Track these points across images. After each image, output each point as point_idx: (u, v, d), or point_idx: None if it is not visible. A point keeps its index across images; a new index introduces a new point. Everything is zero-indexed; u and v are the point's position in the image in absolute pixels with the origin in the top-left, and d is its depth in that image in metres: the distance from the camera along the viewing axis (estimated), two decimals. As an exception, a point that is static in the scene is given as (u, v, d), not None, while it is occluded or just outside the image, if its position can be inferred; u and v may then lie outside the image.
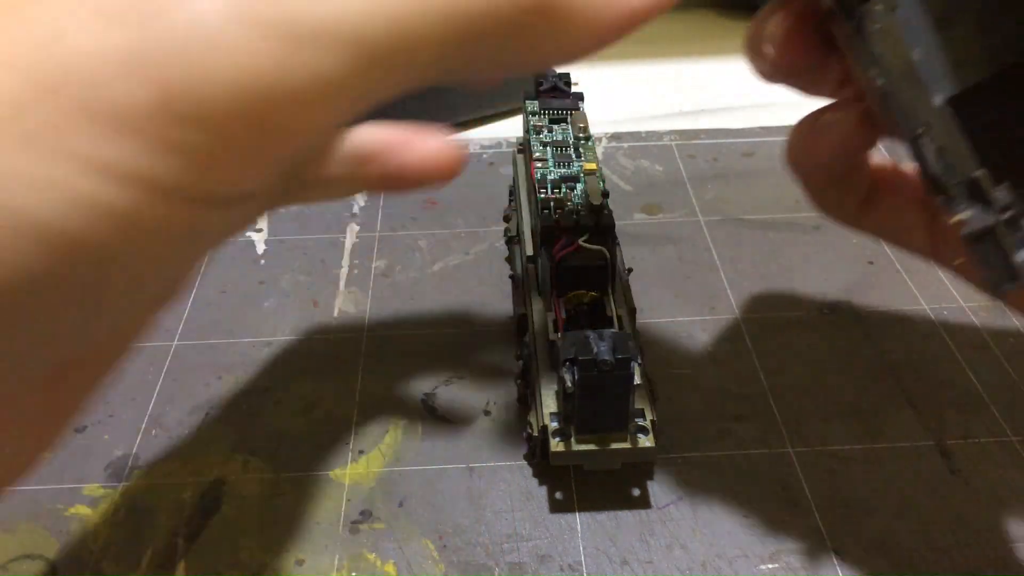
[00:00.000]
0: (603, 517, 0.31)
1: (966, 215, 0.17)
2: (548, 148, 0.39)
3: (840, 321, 0.39)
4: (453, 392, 0.36)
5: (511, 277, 0.41)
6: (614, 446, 0.31)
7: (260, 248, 0.44)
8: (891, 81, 0.17)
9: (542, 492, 0.32)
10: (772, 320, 0.39)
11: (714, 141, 0.52)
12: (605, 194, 0.36)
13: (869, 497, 0.31)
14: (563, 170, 0.38)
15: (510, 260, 0.43)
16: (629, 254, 0.43)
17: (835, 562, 0.29)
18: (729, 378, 0.36)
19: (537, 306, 0.36)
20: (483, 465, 0.33)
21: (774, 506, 0.31)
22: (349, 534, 0.30)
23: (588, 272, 0.34)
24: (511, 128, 0.54)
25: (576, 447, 0.31)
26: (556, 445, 0.31)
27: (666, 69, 0.62)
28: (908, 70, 0.16)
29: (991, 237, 0.17)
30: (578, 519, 0.31)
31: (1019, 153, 0.17)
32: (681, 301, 0.40)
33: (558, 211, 0.36)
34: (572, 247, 0.34)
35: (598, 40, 0.17)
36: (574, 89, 0.42)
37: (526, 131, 0.41)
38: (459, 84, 0.18)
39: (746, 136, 0.52)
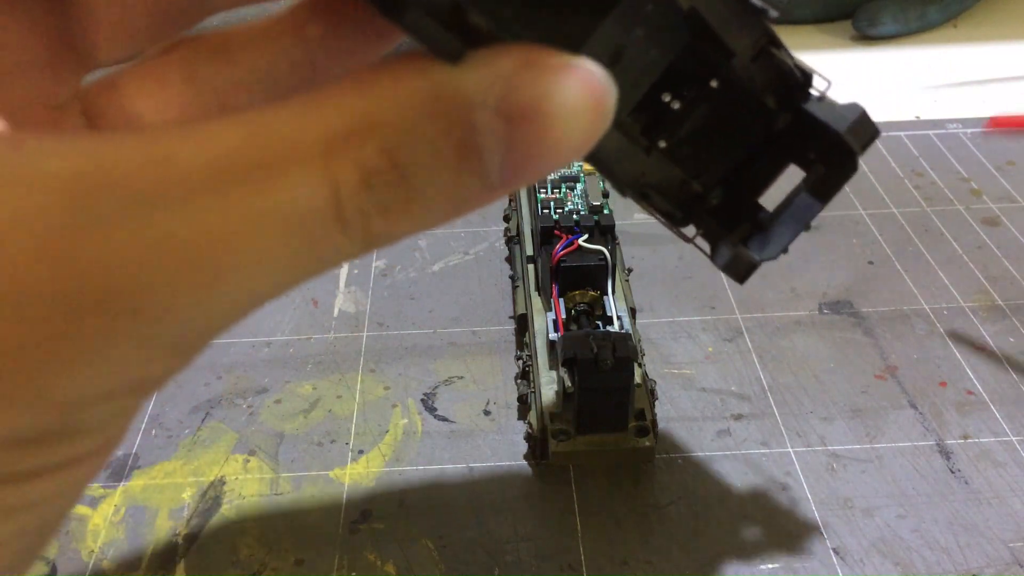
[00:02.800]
0: (603, 517, 0.31)
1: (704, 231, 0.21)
2: (548, 148, 0.39)
3: (840, 321, 0.39)
4: (453, 392, 0.36)
5: (511, 277, 0.41)
6: (614, 446, 0.31)
7: (260, 248, 0.44)
8: (608, 156, 0.19)
9: (542, 492, 0.32)
10: (772, 320, 0.39)
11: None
12: (605, 194, 0.36)
13: (869, 497, 0.31)
14: (563, 170, 0.38)
15: (510, 260, 0.43)
16: (629, 254, 0.43)
17: (835, 562, 0.29)
18: (729, 378, 0.36)
19: (537, 306, 0.36)
20: (483, 465, 0.33)
21: (774, 506, 0.31)
22: (349, 534, 0.30)
23: (588, 272, 0.34)
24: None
25: (576, 447, 0.31)
26: (556, 445, 0.31)
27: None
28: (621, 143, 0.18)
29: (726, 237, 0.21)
30: (578, 519, 0.31)
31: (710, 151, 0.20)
32: (681, 301, 0.40)
33: (558, 211, 0.36)
34: (572, 247, 0.34)
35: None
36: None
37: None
38: None
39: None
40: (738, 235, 0.21)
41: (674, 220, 0.21)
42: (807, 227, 0.21)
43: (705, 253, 0.22)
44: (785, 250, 0.21)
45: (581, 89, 0.12)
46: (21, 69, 0.15)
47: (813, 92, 0.19)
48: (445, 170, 0.12)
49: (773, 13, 0.17)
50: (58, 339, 0.11)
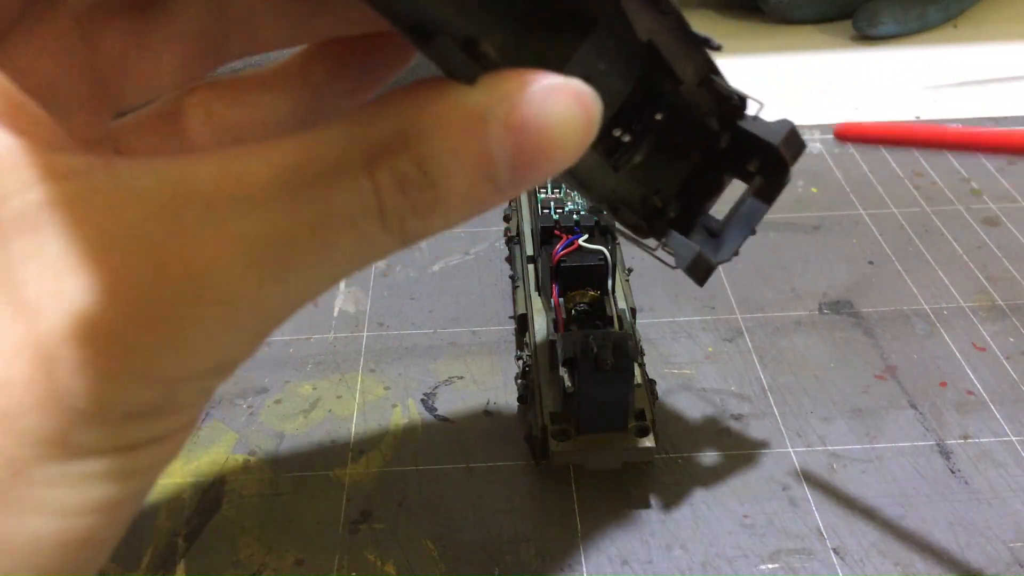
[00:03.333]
0: (603, 517, 0.31)
1: (667, 241, 0.23)
2: (548, 148, 0.39)
3: (840, 321, 0.39)
4: (453, 392, 0.36)
5: (511, 277, 0.41)
6: (614, 446, 0.31)
7: (260, 248, 0.44)
8: (584, 178, 0.21)
9: (542, 492, 0.32)
10: (772, 320, 0.39)
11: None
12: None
13: (869, 497, 0.31)
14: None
15: (510, 260, 0.43)
16: (629, 254, 0.43)
17: (835, 562, 0.29)
18: (729, 378, 0.36)
19: (537, 306, 0.36)
20: (483, 465, 0.33)
21: (774, 506, 0.31)
22: (349, 534, 0.30)
23: (588, 272, 0.34)
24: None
25: (576, 447, 0.31)
26: (556, 445, 0.31)
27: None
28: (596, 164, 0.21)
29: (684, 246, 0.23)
30: (578, 519, 0.31)
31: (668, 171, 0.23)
32: (681, 301, 0.40)
33: (558, 211, 0.36)
34: (572, 247, 0.34)
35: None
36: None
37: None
38: None
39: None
40: (695, 241, 0.24)
41: (640, 232, 0.23)
42: (753, 231, 0.24)
43: (666, 264, 0.24)
44: (736, 252, 0.24)
45: (571, 102, 0.14)
46: (66, 109, 0.17)
47: (748, 113, 0.22)
48: (465, 176, 0.14)
49: (715, 43, 0.20)
50: (162, 325, 0.13)
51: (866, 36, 0.67)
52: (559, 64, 0.17)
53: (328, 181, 0.13)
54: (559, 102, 0.14)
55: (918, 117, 0.57)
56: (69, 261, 0.13)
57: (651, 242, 0.24)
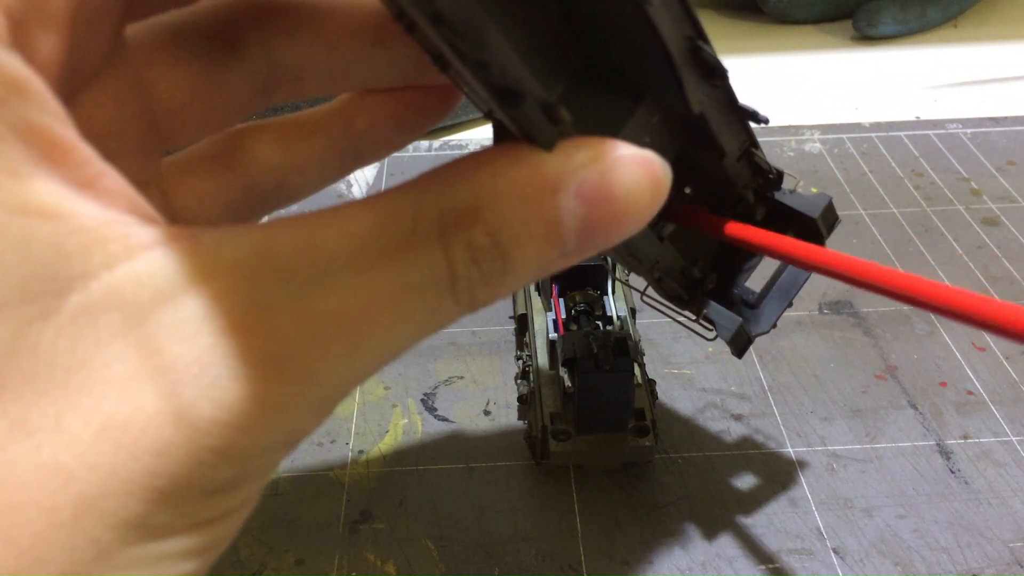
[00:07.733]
0: (603, 517, 0.31)
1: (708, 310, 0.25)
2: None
3: (840, 321, 0.39)
4: (453, 392, 0.36)
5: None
6: (614, 446, 0.31)
7: (260, 248, 0.44)
8: (635, 246, 0.22)
9: (542, 492, 0.32)
10: (772, 320, 0.39)
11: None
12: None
13: (869, 497, 0.31)
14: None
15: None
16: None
17: (835, 562, 0.29)
18: (729, 378, 0.36)
19: (537, 306, 0.36)
20: (483, 465, 0.33)
21: (774, 506, 0.31)
22: (349, 534, 0.30)
23: (588, 272, 0.34)
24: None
25: (576, 447, 0.31)
26: (556, 445, 0.31)
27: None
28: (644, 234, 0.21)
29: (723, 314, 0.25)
30: (578, 519, 0.31)
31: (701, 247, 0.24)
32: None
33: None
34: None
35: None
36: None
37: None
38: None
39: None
40: (736, 312, 0.24)
41: (681, 302, 0.24)
42: (791, 303, 0.25)
43: (703, 336, 0.25)
44: (775, 325, 0.25)
45: (644, 173, 0.15)
46: (121, 154, 0.17)
47: (785, 187, 0.23)
48: (534, 245, 0.14)
49: (762, 117, 0.20)
50: (246, 402, 0.13)
51: (866, 36, 0.67)
52: (613, 129, 0.17)
53: (401, 252, 0.13)
54: (632, 173, 0.14)
55: (918, 117, 0.57)
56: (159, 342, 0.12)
57: (688, 314, 0.24)
